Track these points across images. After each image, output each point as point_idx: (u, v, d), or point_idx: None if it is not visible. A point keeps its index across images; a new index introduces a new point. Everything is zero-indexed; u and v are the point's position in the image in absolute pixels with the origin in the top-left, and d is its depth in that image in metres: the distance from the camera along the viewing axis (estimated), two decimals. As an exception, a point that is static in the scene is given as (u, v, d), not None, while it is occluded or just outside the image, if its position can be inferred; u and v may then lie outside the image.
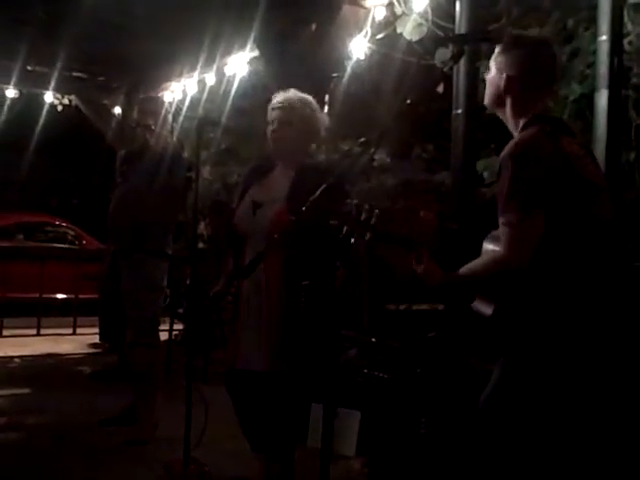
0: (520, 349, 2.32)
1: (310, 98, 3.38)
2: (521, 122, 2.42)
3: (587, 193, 2.31)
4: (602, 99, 3.47)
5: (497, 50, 2.49)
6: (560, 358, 2.25)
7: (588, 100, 3.81)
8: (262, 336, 3.15)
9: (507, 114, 2.48)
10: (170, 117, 4.70)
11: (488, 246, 2.46)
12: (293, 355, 3.08)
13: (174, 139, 4.61)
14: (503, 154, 2.31)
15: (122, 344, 4.63)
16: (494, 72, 2.49)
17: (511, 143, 2.34)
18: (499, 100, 2.48)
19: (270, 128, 3.34)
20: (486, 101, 2.55)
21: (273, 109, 3.35)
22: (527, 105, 2.43)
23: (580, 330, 2.25)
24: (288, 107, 3.32)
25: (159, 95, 7.39)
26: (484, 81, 2.58)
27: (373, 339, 3.98)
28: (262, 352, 3.14)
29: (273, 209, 3.18)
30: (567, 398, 2.27)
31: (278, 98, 3.37)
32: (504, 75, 2.44)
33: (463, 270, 2.39)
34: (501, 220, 2.28)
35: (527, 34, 2.61)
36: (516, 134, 2.43)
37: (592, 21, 3.91)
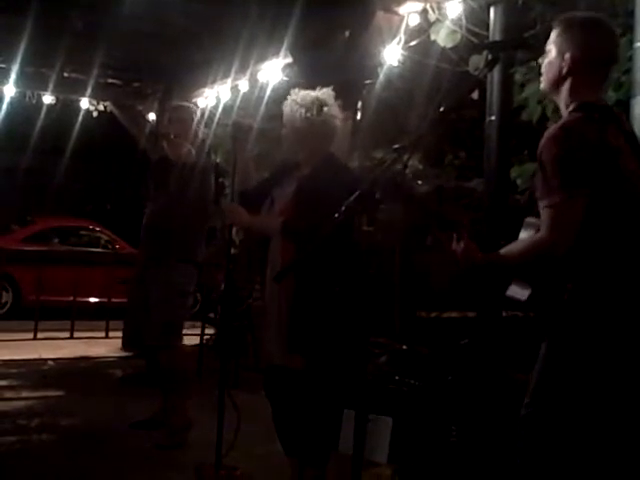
0: (562, 341, 2.26)
1: (310, 96, 3.32)
2: (571, 107, 2.36)
3: (626, 189, 2.27)
4: (638, 106, 3.43)
5: (555, 31, 2.42)
6: (604, 348, 2.21)
7: (624, 107, 3.76)
8: (278, 330, 3.20)
9: (562, 97, 2.42)
10: (202, 125, 4.75)
11: (523, 234, 2.42)
12: (310, 352, 3.10)
13: (205, 147, 4.66)
14: (546, 137, 2.26)
15: (147, 349, 4.67)
16: (554, 54, 2.41)
17: (554, 127, 2.29)
18: (557, 83, 2.42)
19: None
20: (544, 85, 2.49)
21: None
22: (583, 89, 2.37)
23: (624, 321, 2.21)
24: (284, 111, 3.36)
25: (191, 103, 7.44)
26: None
27: (404, 346, 3.97)
28: (278, 345, 3.20)
29: (279, 204, 3.28)
30: (613, 392, 2.22)
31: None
32: (567, 56, 2.37)
33: (503, 251, 2.35)
34: (543, 203, 2.23)
35: (583, 14, 2.52)
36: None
37: (629, 27, 3.86)
